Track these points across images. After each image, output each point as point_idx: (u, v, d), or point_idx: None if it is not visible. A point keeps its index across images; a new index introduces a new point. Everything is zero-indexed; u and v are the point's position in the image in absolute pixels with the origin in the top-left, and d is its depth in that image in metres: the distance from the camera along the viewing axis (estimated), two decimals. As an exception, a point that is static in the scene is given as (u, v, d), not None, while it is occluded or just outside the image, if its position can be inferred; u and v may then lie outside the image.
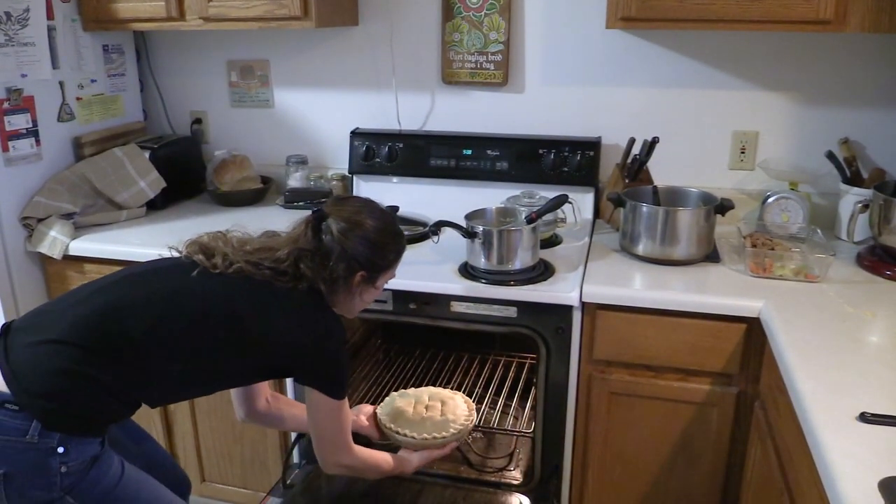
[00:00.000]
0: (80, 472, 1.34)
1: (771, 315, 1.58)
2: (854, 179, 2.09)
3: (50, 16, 2.23)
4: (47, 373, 1.32)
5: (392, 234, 1.55)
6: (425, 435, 1.79)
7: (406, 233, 2.07)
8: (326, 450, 1.58)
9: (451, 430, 1.81)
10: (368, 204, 1.55)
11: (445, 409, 1.88)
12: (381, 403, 1.94)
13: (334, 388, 1.50)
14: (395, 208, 2.21)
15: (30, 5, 2.14)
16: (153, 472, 1.52)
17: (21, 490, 1.32)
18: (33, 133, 2.19)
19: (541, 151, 2.26)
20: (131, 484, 1.44)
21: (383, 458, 1.69)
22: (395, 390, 2.06)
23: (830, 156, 2.10)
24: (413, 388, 2.02)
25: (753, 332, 1.67)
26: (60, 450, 1.32)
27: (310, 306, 1.46)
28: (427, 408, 1.88)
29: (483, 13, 2.31)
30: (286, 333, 1.43)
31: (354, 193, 2.47)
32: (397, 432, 1.80)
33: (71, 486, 1.33)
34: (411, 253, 2.01)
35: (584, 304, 1.77)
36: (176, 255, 1.50)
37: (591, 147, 2.25)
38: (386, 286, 1.61)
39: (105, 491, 1.38)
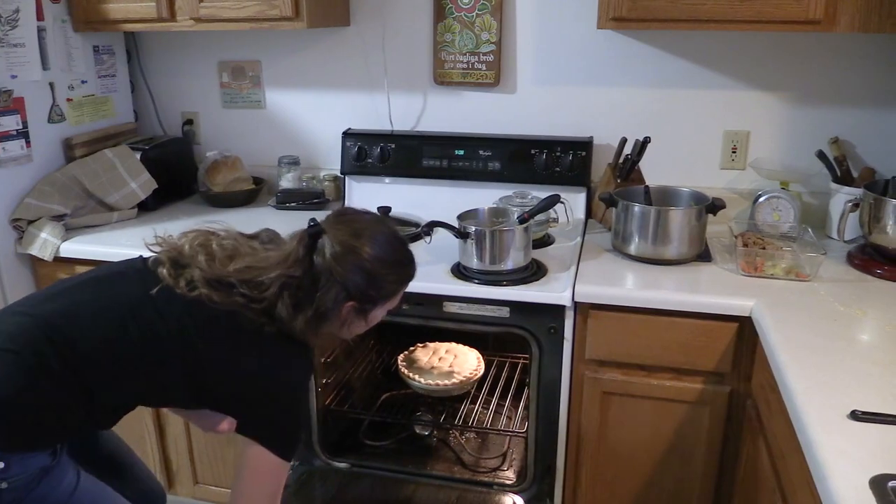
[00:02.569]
0: (24, 487, 1.26)
1: (762, 314, 1.58)
2: (844, 178, 2.10)
3: (40, 17, 2.22)
4: None
5: (393, 264, 1.39)
6: (430, 382, 2.09)
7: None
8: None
9: (454, 380, 2.10)
10: (372, 225, 1.39)
11: (455, 361, 2.20)
12: (405, 352, 2.28)
13: (284, 444, 1.35)
14: (388, 209, 2.20)
15: (20, 6, 2.13)
16: (121, 481, 1.47)
17: None
18: (23, 134, 2.18)
19: (533, 151, 2.27)
20: (86, 497, 1.36)
21: None
22: (388, 392, 2.09)
23: (821, 155, 2.11)
24: (435, 343, 2.32)
25: (745, 330, 1.68)
26: (0, 465, 1.23)
27: (272, 339, 1.32)
28: (440, 359, 2.21)
29: (475, 13, 2.32)
30: (233, 363, 1.31)
31: (346, 194, 2.47)
32: (408, 375, 2.13)
33: (14, 502, 1.25)
34: (404, 253, 2.02)
35: (576, 304, 1.77)
36: (152, 254, 1.39)
37: (582, 147, 2.25)
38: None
39: (49, 493, 1.29)
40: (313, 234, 1.34)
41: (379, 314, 1.44)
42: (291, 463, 1.41)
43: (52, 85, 2.29)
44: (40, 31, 2.22)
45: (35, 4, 2.19)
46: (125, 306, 1.30)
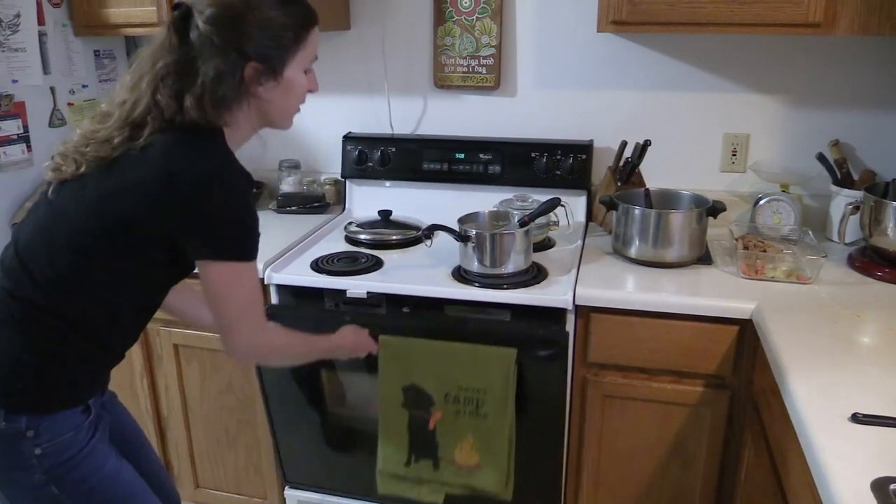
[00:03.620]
0: (58, 451, 1.27)
1: (763, 317, 1.58)
2: (845, 181, 2.10)
3: (41, 21, 2.22)
4: None
5: (280, 4, 1.25)
6: None
7: (399, 237, 2.12)
8: (236, 333, 1.32)
9: None
10: None
11: None
12: None
13: (236, 246, 1.26)
14: (389, 212, 2.21)
15: (20, 11, 2.14)
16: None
17: (7, 475, 1.29)
18: (24, 139, 2.19)
19: (533, 155, 2.27)
20: (124, 487, 1.37)
21: (303, 334, 1.49)
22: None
23: (821, 158, 2.11)
24: None
25: (746, 333, 1.68)
26: (30, 433, 1.25)
27: (176, 141, 1.21)
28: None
29: (475, 17, 2.32)
30: (149, 189, 1.19)
31: (347, 197, 2.48)
32: None
33: (51, 467, 1.27)
34: (405, 256, 2.02)
35: (577, 308, 1.77)
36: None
37: (583, 150, 2.25)
38: (380, 288, 1.59)
39: (87, 473, 1.30)
40: (182, 14, 1.22)
41: (295, 74, 1.30)
42: (252, 263, 1.29)
43: (52, 89, 2.29)
44: (41, 35, 2.23)
45: (36, 9, 2.19)
46: (40, 223, 1.28)
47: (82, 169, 1.24)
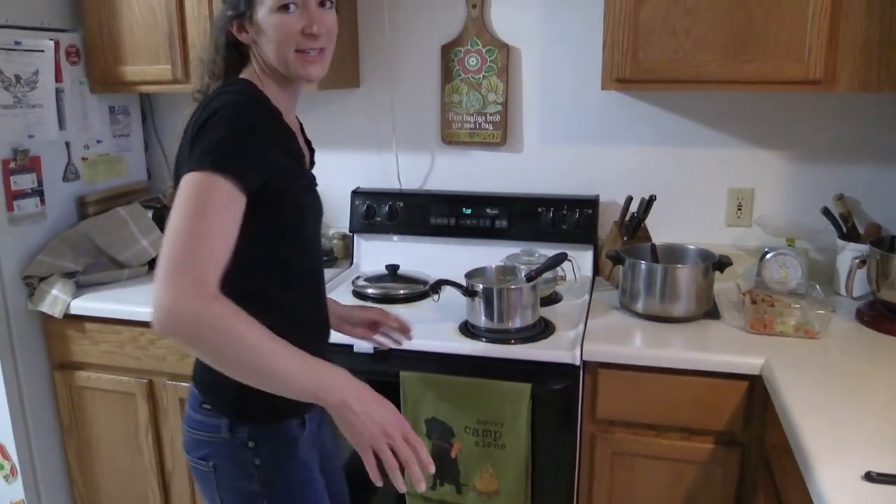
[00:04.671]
0: (275, 463, 1.32)
1: (773, 372, 1.57)
2: (850, 235, 2.11)
3: (59, 78, 2.28)
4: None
5: None
6: None
7: (406, 291, 2.12)
8: (166, 277, 1.01)
9: None
10: None
11: None
12: None
13: (208, 154, 1.09)
14: (396, 266, 2.22)
15: (39, 68, 2.19)
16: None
17: (229, 481, 1.33)
18: (38, 193, 2.22)
19: (539, 209, 2.29)
20: (316, 493, 1.39)
21: (269, 334, 1.06)
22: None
23: (826, 212, 2.12)
24: None
25: (756, 389, 1.66)
26: (251, 444, 1.30)
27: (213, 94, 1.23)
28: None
29: (482, 75, 2.37)
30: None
31: (355, 251, 2.49)
32: None
33: (267, 478, 1.32)
34: (412, 311, 2.02)
35: (585, 363, 1.76)
36: None
37: (589, 205, 2.27)
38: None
39: (293, 482, 1.34)
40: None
41: (265, 16, 1.23)
42: (226, 179, 1.08)
43: (68, 144, 2.34)
44: (58, 91, 2.28)
45: (54, 67, 2.25)
46: None
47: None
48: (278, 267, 1.30)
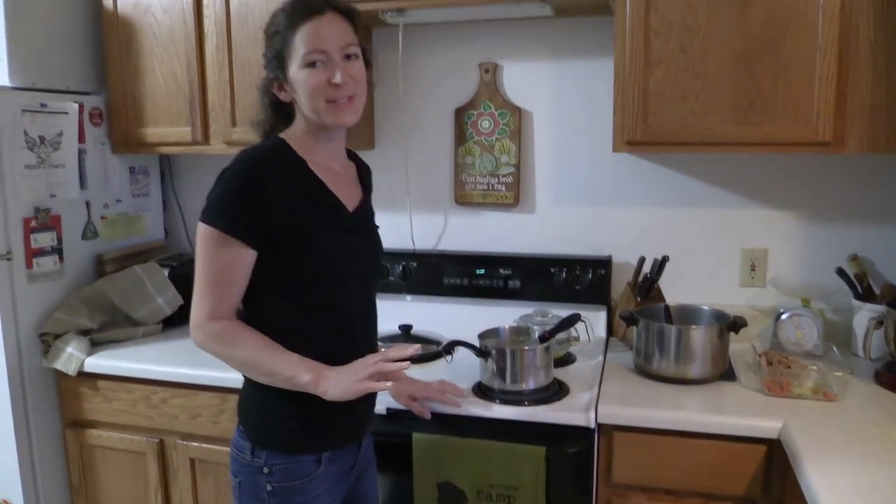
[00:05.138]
0: (286, 493, 1.42)
1: (791, 436, 1.54)
2: (866, 295, 2.10)
3: (82, 139, 2.34)
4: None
5: (272, 16, 1.43)
6: None
7: (419, 352, 2.11)
8: (193, 304, 1.40)
9: None
10: None
11: None
12: None
13: (210, 211, 1.36)
14: (409, 326, 2.22)
15: (63, 130, 2.26)
16: None
17: (249, 500, 1.45)
18: (57, 251, 2.25)
19: (552, 270, 2.30)
20: None
21: (265, 341, 1.40)
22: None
23: (840, 272, 2.12)
24: None
25: (775, 453, 1.63)
26: (265, 470, 1.42)
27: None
28: None
29: (494, 137, 2.41)
30: None
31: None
32: None
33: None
34: (425, 371, 2.01)
35: (600, 426, 1.74)
36: None
37: (602, 265, 2.28)
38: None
39: None
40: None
41: (296, 73, 1.38)
42: (228, 235, 1.35)
43: (88, 203, 2.38)
44: (81, 152, 2.34)
45: (78, 128, 2.31)
46: None
47: None
48: (298, 302, 1.43)
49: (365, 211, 1.57)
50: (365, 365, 1.39)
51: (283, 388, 1.39)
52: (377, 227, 1.63)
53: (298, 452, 1.44)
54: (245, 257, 1.36)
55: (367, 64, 1.46)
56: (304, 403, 1.41)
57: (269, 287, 1.41)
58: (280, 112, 1.47)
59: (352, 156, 1.64)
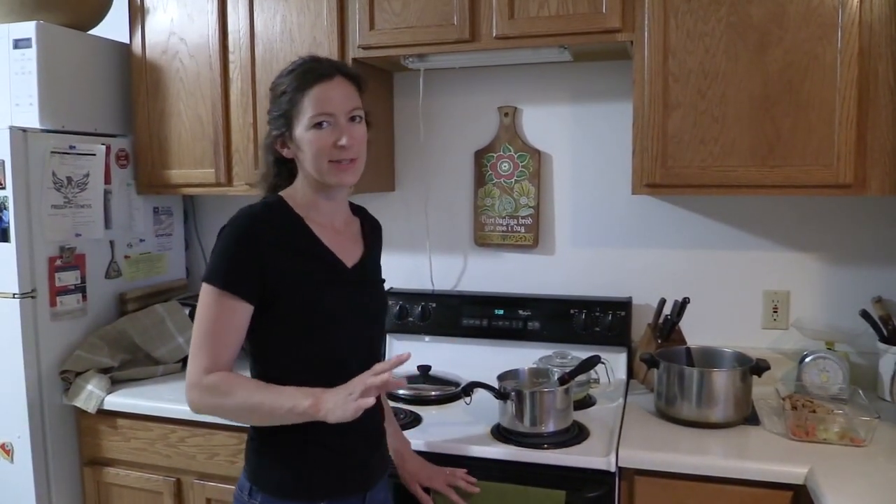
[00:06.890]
0: None
1: (818, 483, 1.51)
2: (892, 337, 2.06)
3: (107, 180, 2.39)
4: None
5: (279, 76, 1.46)
6: None
7: (438, 393, 2.11)
8: (189, 359, 1.40)
9: None
10: None
11: None
12: None
13: (208, 269, 1.40)
14: (428, 367, 2.22)
15: (90, 171, 2.30)
16: None
17: None
18: (81, 289, 2.28)
19: (572, 312, 2.29)
20: None
21: (259, 383, 1.40)
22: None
23: (865, 314, 2.09)
24: None
25: (801, 500, 1.59)
26: None
27: None
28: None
29: (514, 179, 2.43)
30: None
31: (387, 352, 2.49)
32: None
33: None
34: (444, 413, 2.00)
35: (620, 469, 1.71)
36: None
37: (622, 307, 2.26)
38: (418, 446, 1.55)
39: None
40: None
41: (302, 133, 1.41)
42: (224, 291, 1.37)
43: (112, 243, 2.42)
44: (106, 193, 2.38)
45: (104, 169, 2.36)
46: None
47: None
48: (290, 353, 1.45)
49: (365, 266, 1.56)
50: (360, 381, 1.33)
51: (280, 432, 1.39)
52: (382, 280, 1.65)
53: (292, 499, 1.43)
54: (241, 311, 1.39)
55: (368, 125, 1.50)
56: (300, 449, 1.42)
57: (267, 339, 1.44)
58: (283, 168, 1.51)
59: (360, 212, 1.66)
